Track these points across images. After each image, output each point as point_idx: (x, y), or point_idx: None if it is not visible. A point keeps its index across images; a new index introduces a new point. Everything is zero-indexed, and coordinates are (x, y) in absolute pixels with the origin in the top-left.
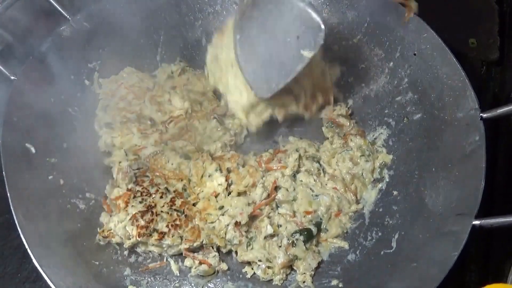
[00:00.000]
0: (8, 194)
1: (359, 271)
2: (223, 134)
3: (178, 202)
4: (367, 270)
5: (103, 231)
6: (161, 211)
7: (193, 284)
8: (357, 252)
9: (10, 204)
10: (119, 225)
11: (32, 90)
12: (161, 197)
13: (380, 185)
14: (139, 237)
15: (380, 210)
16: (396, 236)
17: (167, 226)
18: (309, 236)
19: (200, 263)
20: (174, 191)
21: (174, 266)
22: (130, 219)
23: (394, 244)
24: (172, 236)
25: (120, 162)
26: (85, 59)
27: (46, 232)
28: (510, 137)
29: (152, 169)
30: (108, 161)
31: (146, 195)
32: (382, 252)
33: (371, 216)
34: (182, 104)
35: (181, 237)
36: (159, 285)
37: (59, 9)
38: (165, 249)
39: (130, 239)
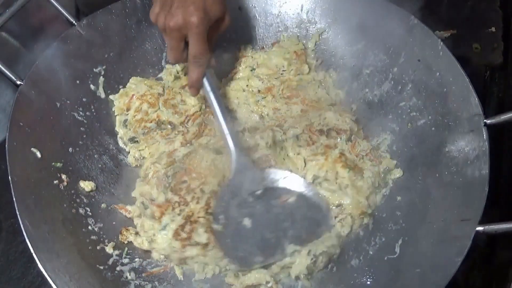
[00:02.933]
0: (14, 199)
1: (363, 276)
2: None
3: (214, 203)
4: (371, 275)
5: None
6: (198, 217)
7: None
8: (361, 257)
9: (16, 208)
10: (164, 240)
11: (38, 95)
12: (198, 202)
13: (383, 190)
14: (183, 248)
15: (384, 215)
16: (400, 242)
17: (206, 233)
18: None
19: None
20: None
21: (178, 271)
22: (173, 235)
23: (397, 250)
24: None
25: (155, 164)
26: (90, 63)
27: (51, 237)
28: None
29: (189, 170)
30: (142, 170)
31: (183, 205)
32: (385, 258)
33: (374, 221)
34: (194, 101)
35: None
36: None
37: (65, 14)
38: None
39: (176, 252)
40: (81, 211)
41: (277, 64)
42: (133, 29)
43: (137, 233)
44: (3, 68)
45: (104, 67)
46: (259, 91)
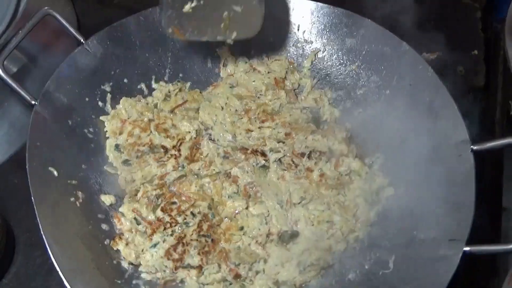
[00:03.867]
0: (38, 219)
1: None
2: None
3: (205, 226)
4: None
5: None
6: (191, 239)
7: None
8: (357, 271)
9: (40, 228)
10: (154, 257)
11: (52, 114)
12: (189, 225)
13: (377, 207)
14: (175, 270)
15: (377, 231)
16: (393, 258)
17: (199, 255)
18: None
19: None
20: (199, 213)
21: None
22: (164, 255)
23: (391, 265)
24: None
25: (145, 184)
26: (98, 81)
27: (74, 254)
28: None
29: (178, 193)
30: (130, 187)
31: (174, 225)
32: (380, 272)
33: (369, 237)
34: (187, 126)
35: (219, 265)
36: None
37: (73, 32)
38: (202, 283)
39: (164, 271)
40: (96, 226)
41: (256, 87)
42: (137, 46)
43: (127, 244)
44: (17, 88)
45: (110, 83)
46: (236, 110)
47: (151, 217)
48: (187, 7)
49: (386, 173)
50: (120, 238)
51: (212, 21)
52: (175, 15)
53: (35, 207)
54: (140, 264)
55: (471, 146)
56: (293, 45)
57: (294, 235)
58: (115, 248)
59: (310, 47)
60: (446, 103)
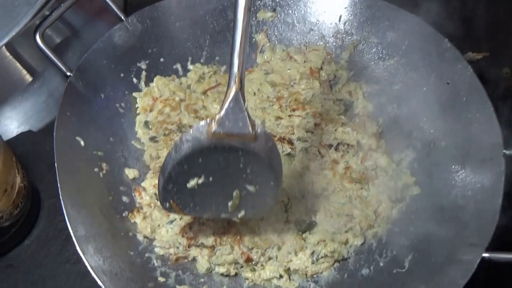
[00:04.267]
0: (58, 184)
1: (372, 286)
2: None
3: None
4: (379, 286)
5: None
6: (207, 219)
7: (220, 279)
8: (371, 268)
9: (59, 193)
10: (169, 233)
11: (85, 86)
12: None
13: (400, 205)
14: (188, 247)
15: (398, 230)
16: (410, 257)
17: (214, 235)
18: None
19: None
20: None
21: (199, 265)
22: (180, 232)
23: (406, 265)
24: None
25: None
26: (135, 58)
27: (89, 221)
28: None
29: None
30: (154, 164)
31: None
32: (394, 271)
33: (388, 235)
34: (217, 109)
35: (232, 246)
36: (187, 279)
37: (114, 9)
38: (213, 263)
39: (178, 247)
40: (117, 198)
41: (291, 75)
42: (176, 27)
43: (144, 218)
44: (55, 60)
45: (147, 61)
46: (268, 97)
47: None
48: (192, 183)
49: (413, 171)
50: (138, 211)
51: (218, 198)
52: (176, 190)
53: (57, 172)
54: (154, 239)
55: (504, 151)
56: (332, 36)
57: (311, 225)
58: (132, 221)
59: (350, 38)
60: (483, 105)
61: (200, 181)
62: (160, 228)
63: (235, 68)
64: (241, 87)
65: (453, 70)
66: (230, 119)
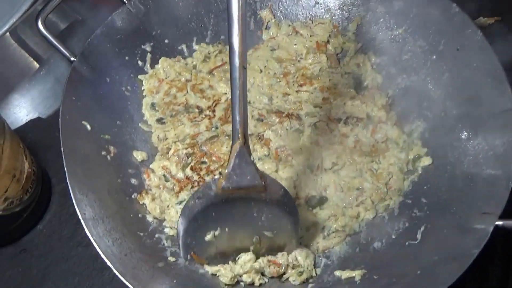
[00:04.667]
0: (65, 169)
1: (384, 259)
2: None
3: None
4: (391, 259)
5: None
6: None
7: None
8: (383, 241)
9: (66, 177)
10: (179, 214)
11: (90, 70)
12: None
13: (412, 177)
14: None
15: (410, 201)
16: (422, 229)
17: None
18: None
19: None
20: None
21: None
22: None
23: (419, 236)
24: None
25: (177, 143)
26: (139, 40)
27: (97, 204)
28: None
29: (209, 153)
30: (162, 145)
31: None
32: (407, 243)
33: (400, 207)
34: (224, 88)
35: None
36: None
37: None
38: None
39: None
40: (125, 180)
41: (297, 51)
42: (180, 7)
43: (153, 199)
44: (58, 45)
45: (151, 43)
46: (274, 73)
47: (180, 175)
48: (209, 237)
49: (425, 142)
50: (147, 192)
51: (238, 245)
52: (195, 243)
53: (63, 157)
54: (164, 219)
55: None
56: (339, 8)
57: (322, 200)
58: (141, 202)
59: (356, 10)
60: (494, 71)
61: (217, 233)
62: (169, 209)
63: (237, 124)
64: (245, 142)
65: (462, 36)
66: (238, 174)
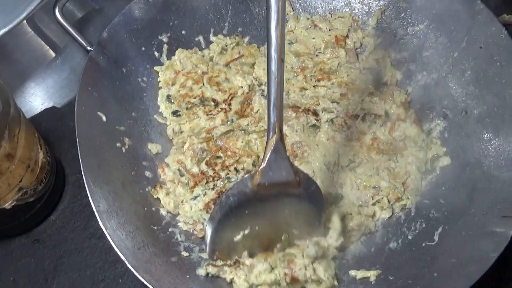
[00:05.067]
0: (80, 160)
1: (399, 260)
2: None
3: None
4: (407, 259)
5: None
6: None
7: None
8: (399, 241)
9: (81, 169)
10: (193, 209)
11: (106, 61)
12: (231, 180)
13: (430, 177)
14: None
15: (427, 202)
16: (440, 230)
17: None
18: None
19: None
20: (242, 169)
21: None
22: (204, 207)
23: (436, 238)
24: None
25: (192, 137)
26: (156, 31)
27: (111, 196)
28: None
29: (224, 148)
30: (177, 139)
31: (217, 180)
32: (423, 244)
33: (417, 207)
34: (240, 81)
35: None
36: None
37: None
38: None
39: (203, 223)
40: (140, 173)
41: (315, 45)
42: None
43: (168, 193)
44: (75, 35)
45: (168, 34)
46: (292, 68)
47: (195, 169)
48: (239, 237)
49: (444, 141)
50: (161, 187)
51: (265, 242)
52: (224, 242)
53: (78, 148)
54: (178, 214)
55: None
56: (359, 2)
57: (337, 198)
58: (155, 196)
59: (377, 4)
60: None
61: (247, 231)
62: (183, 204)
63: (273, 119)
64: (281, 137)
65: (486, 34)
66: (273, 169)
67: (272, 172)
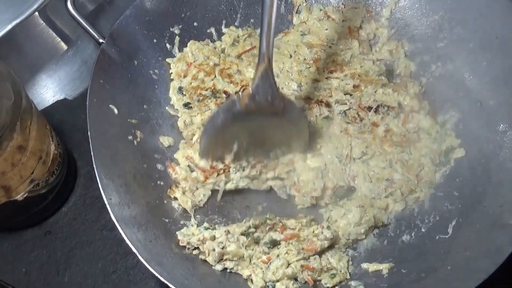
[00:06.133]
0: (92, 153)
1: (412, 253)
2: None
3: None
4: (420, 252)
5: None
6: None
7: None
8: (412, 234)
9: (93, 162)
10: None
11: (118, 53)
12: (243, 170)
13: (444, 169)
14: None
15: (441, 194)
16: (453, 223)
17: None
18: None
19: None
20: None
21: None
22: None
23: (450, 230)
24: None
25: (201, 129)
26: (168, 23)
27: (123, 189)
28: None
29: None
30: (187, 131)
31: (228, 171)
32: (437, 237)
33: (431, 199)
34: (252, 73)
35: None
36: None
37: None
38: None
39: None
40: (151, 166)
41: (328, 36)
42: None
43: (184, 192)
44: (87, 27)
45: (180, 26)
46: (304, 59)
47: (204, 163)
48: (228, 149)
49: (459, 133)
50: (177, 186)
51: (254, 156)
52: (215, 152)
53: (90, 140)
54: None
55: None
56: None
57: (350, 190)
58: (172, 196)
59: None
60: None
61: (235, 146)
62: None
63: (264, 47)
64: (269, 63)
65: (502, 24)
66: (260, 94)
67: (259, 96)
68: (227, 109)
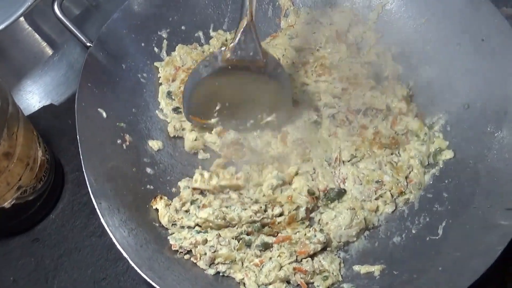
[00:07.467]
0: (81, 157)
1: (403, 254)
2: None
3: None
4: (411, 254)
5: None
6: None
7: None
8: (403, 236)
9: (83, 166)
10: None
11: (106, 57)
12: None
13: (433, 171)
14: None
15: (430, 196)
16: (443, 224)
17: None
18: None
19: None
20: None
21: None
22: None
23: (440, 231)
24: None
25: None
26: (156, 27)
27: (113, 194)
28: None
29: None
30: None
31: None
32: (427, 238)
33: (420, 201)
34: None
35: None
36: None
37: None
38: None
39: None
40: (141, 170)
41: (316, 39)
42: None
43: (167, 205)
44: (74, 30)
45: (168, 30)
46: (293, 63)
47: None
48: (211, 104)
49: (447, 135)
50: (161, 197)
51: (239, 115)
52: (197, 109)
53: (79, 145)
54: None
55: None
56: None
57: (340, 193)
58: (154, 207)
59: None
60: None
61: (219, 103)
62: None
63: (247, 3)
64: (252, 19)
65: (488, 26)
66: (242, 48)
67: (241, 50)
68: (208, 64)
